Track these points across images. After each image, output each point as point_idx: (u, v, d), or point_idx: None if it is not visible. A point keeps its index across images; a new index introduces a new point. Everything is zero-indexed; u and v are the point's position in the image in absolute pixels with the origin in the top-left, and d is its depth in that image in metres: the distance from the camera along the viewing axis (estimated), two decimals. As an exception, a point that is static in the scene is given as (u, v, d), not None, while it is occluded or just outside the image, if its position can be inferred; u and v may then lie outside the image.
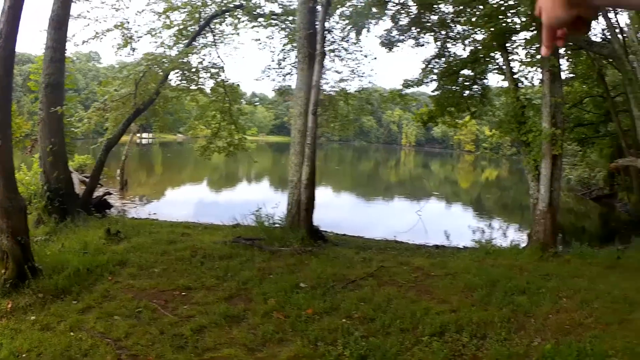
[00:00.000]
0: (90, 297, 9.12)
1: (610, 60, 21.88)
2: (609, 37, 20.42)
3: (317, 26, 17.07)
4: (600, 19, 20.27)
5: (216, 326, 8.08)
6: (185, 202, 33.90)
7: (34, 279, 9.40)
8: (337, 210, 32.42)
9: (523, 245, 18.19)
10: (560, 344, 7.61)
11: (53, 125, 17.04)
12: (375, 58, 36.67)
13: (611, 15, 20.25)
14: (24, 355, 6.81)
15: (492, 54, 20.75)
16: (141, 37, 22.29)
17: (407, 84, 22.28)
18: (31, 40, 24.43)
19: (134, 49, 22.05)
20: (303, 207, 16.46)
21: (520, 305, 9.50)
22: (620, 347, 7.53)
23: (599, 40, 22.09)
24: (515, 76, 19.42)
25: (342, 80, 23.74)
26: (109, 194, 26.16)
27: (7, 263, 9.36)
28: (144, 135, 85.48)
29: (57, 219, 16.11)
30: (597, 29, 22.08)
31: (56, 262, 10.49)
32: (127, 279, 10.47)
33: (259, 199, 20.03)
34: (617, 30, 20.89)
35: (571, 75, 27.75)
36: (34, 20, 18.73)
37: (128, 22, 21.54)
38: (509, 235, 22.74)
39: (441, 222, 27.86)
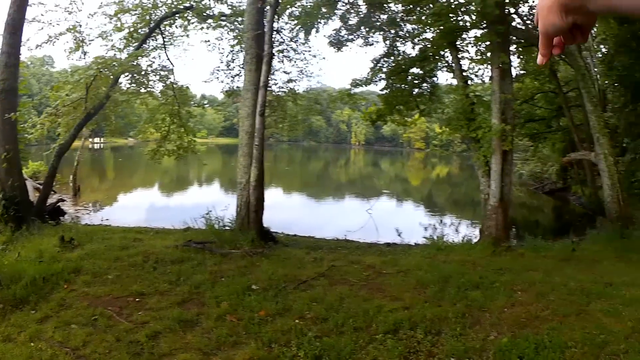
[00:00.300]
0: (47, 307, 8.99)
1: (563, 56, 22.07)
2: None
3: (265, 26, 16.96)
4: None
5: (171, 331, 7.99)
6: (137, 207, 33.62)
7: (-7, 289, 9.20)
8: (287, 211, 32.35)
9: (475, 240, 18.31)
10: (517, 337, 7.62)
11: (7, 132, 16.67)
12: (324, 58, 36.86)
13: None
14: (-13, 368, 6.71)
15: (441, 52, 20.84)
16: (93, 40, 22.15)
17: (355, 83, 22.28)
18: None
19: (85, 53, 21.82)
20: (252, 208, 16.40)
21: (475, 300, 9.52)
22: (580, 338, 7.56)
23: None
24: (464, 74, 19.59)
25: (290, 80, 23.91)
26: (63, 200, 25.73)
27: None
28: (96, 140, 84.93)
29: (13, 227, 15.77)
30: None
31: (13, 272, 10.30)
32: (82, 286, 10.29)
33: (209, 202, 19.97)
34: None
35: (522, 71, 28.02)
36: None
37: (80, 26, 21.34)
38: (460, 231, 22.85)
39: (392, 220, 27.93)
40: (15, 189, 16.57)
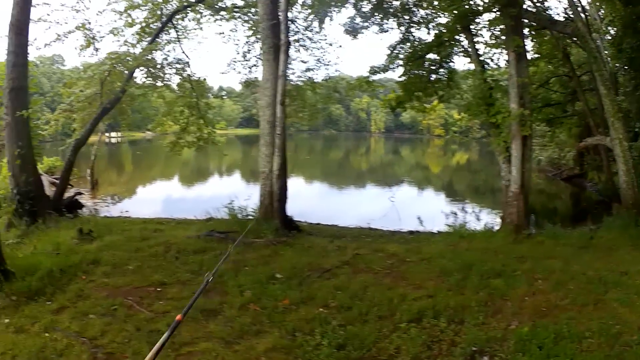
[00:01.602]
0: (64, 297, 8.96)
1: (575, 39, 21.91)
2: (572, 16, 20.45)
3: (280, 16, 16.96)
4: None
5: (192, 320, 7.95)
6: (157, 199, 33.80)
7: (6, 282, 9.21)
8: (310, 199, 32.45)
9: (496, 228, 18.18)
10: (537, 327, 7.61)
11: (19, 129, 16.85)
12: (341, 46, 36.83)
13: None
14: (-2, 358, 6.69)
15: (456, 37, 20.66)
16: (104, 37, 22.21)
17: (373, 71, 22.15)
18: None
19: (97, 49, 21.97)
20: (276, 198, 16.43)
21: (497, 289, 9.50)
22: (596, 329, 7.54)
23: (561, 19, 22.12)
24: (481, 58, 19.40)
25: (308, 69, 24.13)
26: (80, 194, 25.93)
27: (-21, 269, 9.20)
28: (113, 134, 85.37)
29: (28, 221, 15.91)
30: (559, 8, 22.32)
31: (28, 265, 10.26)
32: (101, 277, 10.29)
33: (231, 192, 19.96)
34: (579, 9, 20.89)
35: (536, 55, 27.82)
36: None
37: (89, 23, 21.43)
38: (482, 218, 22.62)
39: (414, 208, 27.91)
40: (30, 184, 16.75)
